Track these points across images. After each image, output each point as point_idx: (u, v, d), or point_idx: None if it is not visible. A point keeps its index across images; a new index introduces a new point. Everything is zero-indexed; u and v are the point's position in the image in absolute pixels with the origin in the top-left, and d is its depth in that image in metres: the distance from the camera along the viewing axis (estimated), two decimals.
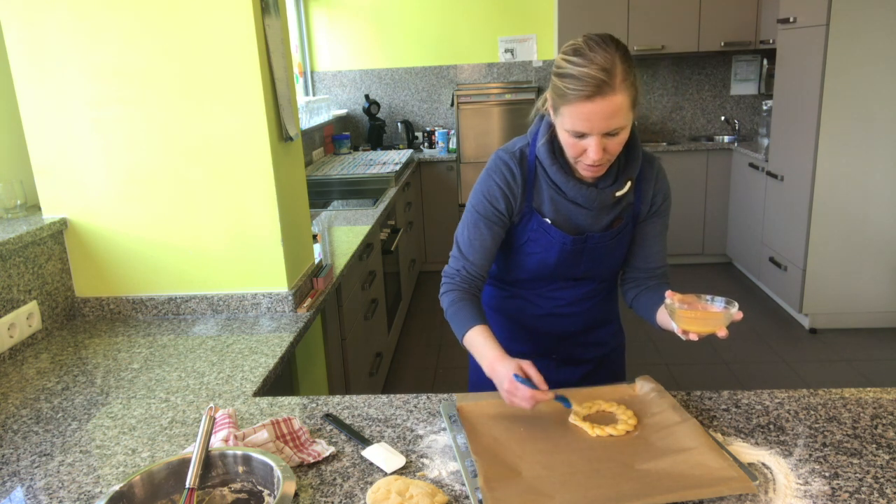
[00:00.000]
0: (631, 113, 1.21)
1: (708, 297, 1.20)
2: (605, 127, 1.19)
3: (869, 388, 1.33)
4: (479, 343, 1.30)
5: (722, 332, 1.15)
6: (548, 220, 1.38)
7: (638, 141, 1.36)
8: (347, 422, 1.28)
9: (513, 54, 5.34)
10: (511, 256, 1.47)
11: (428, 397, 1.36)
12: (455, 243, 1.44)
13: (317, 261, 2.24)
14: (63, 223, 1.89)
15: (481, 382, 1.56)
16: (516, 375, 1.18)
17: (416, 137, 5.46)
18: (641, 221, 1.44)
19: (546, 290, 1.50)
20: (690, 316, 1.17)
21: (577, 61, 1.18)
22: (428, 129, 5.35)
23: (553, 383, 1.23)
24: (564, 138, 1.26)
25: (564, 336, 1.54)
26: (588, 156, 1.23)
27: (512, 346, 1.52)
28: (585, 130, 1.20)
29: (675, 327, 1.20)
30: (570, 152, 1.27)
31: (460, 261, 1.42)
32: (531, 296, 1.52)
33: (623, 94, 1.17)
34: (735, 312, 1.16)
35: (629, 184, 1.36)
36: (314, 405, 1.36)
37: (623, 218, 1.41)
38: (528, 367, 1.20)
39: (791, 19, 3.86)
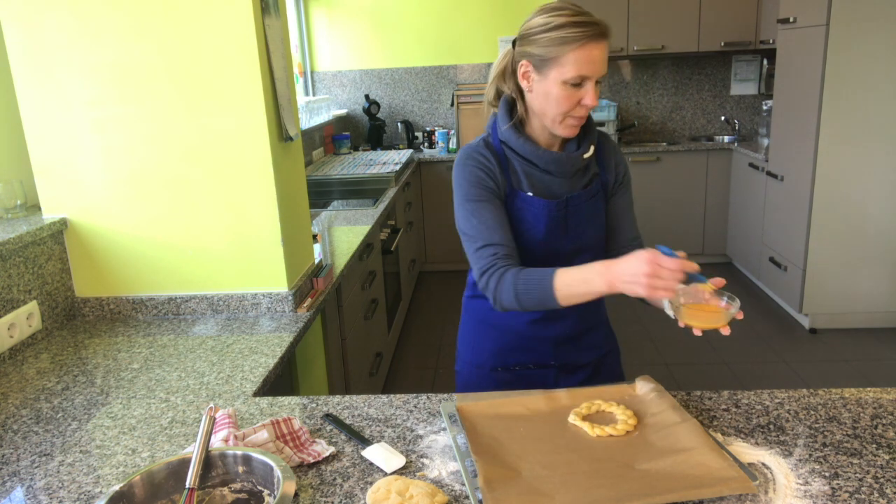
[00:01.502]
0: None
1: (710, 294, 1.20)
2: (602, 70, 1.30)
3: (869, 388, 1.33)
4: (575, 271, 1.25)
5: (725, 330, 1.16)
6: (529, 194, 1.41)
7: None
8: (347, 422, 1.28)
9: None
10: None
11: (428, 397, 1.36)
12: (467, 240, 1.40)
13: (317, 261, 2.24)
14: (63, 223, 1.89)
15: (471, 383, 1.57)
16: (659, 246, 1.14)
17: (416, 137, 5.46)
18: (611, 196, 1.50)
19: None
20: (694, 311, 1.17)
21: (568, 11, 1.28)
22: (428, 129, 5.35)
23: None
24: (558, 93, 1.30)
25: (560, 340, 1.54)
26: (587, 102, 1.30)
27: (510, 357, 1.54)
28: (589, 73, 1.28)
29: (670, 314, 1.21)
30: (561, 107, 1.32)
31: (488, 248, 1.35)
32: None
33: (608, 41, 1.30)
34: (736, 311, 1.16)
35: (592, 148, 1.43)
36: (314, 405, 1.36)
37: (593, 183, 1.47)
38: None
39: (791, 19, 3.86)
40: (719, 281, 1.18)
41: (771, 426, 1.20)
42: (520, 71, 1.36)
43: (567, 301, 1.27)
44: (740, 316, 1.16)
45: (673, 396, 1.28)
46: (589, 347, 1.57)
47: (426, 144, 5.30)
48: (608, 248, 1.52)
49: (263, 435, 1.15)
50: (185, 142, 1.81)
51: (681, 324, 1.20)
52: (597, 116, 4.89)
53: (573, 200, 1.43)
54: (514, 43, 1.39)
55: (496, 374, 1.55)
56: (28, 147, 1.85)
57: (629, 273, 1.16)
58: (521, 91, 1.40)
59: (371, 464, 1.14)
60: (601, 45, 1.28)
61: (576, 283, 1.25)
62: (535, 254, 1.44)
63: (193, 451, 1.00)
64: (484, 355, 1.56)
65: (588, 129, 1.44)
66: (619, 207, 1.51)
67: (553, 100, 1.32)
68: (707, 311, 1.18)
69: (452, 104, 5.03)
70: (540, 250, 1.44)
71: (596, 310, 1.58)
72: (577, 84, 1.29)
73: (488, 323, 1.55)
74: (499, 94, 1.47)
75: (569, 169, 1.42)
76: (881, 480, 1.04)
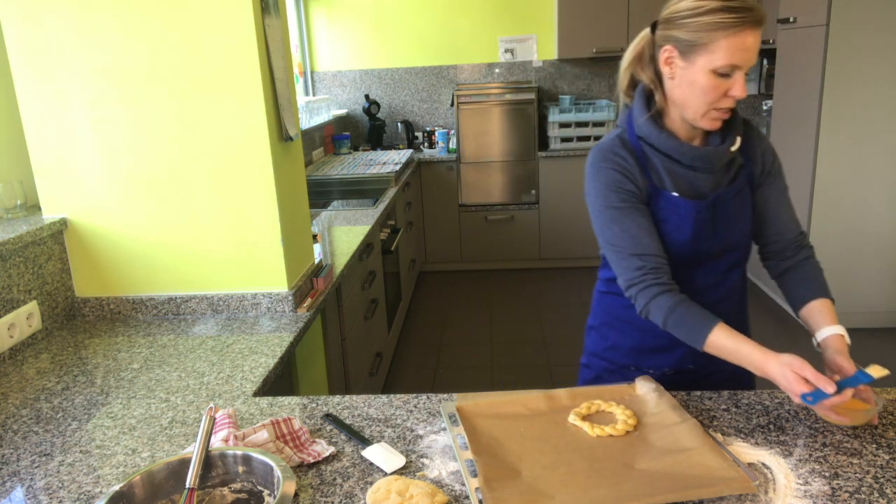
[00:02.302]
0: None
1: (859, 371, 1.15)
2: (754, 60, 1.20)
3: (869, 389, 1.33)
4: (733, 342, 1.20)
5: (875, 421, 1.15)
6: (675, 194, 1.32)
7: None
8: (347, 422, 1.28)
9: (513, 54, 5.34)
10: None
11: (428, 397, 1.36)
12: (611, 250, 1.32)
13: (317, 261, 2.24)
14: (63, 223, 1.89)
15: (601, 379, 1.49)
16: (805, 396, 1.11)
17: (416, 137, 5.46)
18: (758, 187, 1.39)
19: (683, 289, 1.35)
20: (840, 408, 1.14)
21: None
22: (428, 129, 5.35)
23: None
24: (704, 82, 1.21)
25: None
26: (735, 93, 1.21)
27: (647, 359, 1.44)
28: (740, 62, 1.19)
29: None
30: (707, 98, 1.23)
31: (633, 259, 1.29)
32: None
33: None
34: (875, 413, 1.15)
35: (739, 139, 1.33)
36: (314, 405, 1.36)
37: (739, 177, 1.37)
38: (802, 366, 1.12)
39: (791, 19, 3.86)
40: (880, 370, 1.14)
41: (771, 426, 1.20)
42: (661, 56, 1.27)
43: (710, 352, 1.24)
44: (875, 421, 1.13)
45: (673, 396, 1.28)
46: None
47: (426, 144, 5.30)
48: (764, 242, 1.43)
49: (263, 435, 1.15)
50: (186, 142, 1.81)
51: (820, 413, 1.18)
52: (596, 117, 4.90)
53: (720, 199, 1.34)
54: (652, 27, 1.31)
55: (628, 372, 1.46)
56: (28, 147, 1.85)
57: (779, 378, 1.14)
58: (660, 79, 1.30)
59: (371, 464, 1.14)
60: (756, 33, 1.18)
61: (728, 353, 1.21)
62: (680, 255, 1.34)
63: (193, 451, 1.00)
64: (618, 353, 1.48)
65: (733, 119, 1.33)
66: (770, 197, 1.39)
67: (698, 89, 1.23)
68: (851, 405, 1.14)
69: (452, 104, 5.03)
70: (686, 252, 1.34)
71: (742, 316, 1.48)
72: (726, 73, 1.20)
73: (625, 320, 1.46)
74: (633, 83, 1.37)
75: (716, 164, 1.32)
76: (881, 480, 1.04)
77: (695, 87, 1.23)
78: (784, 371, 1.12)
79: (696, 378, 1.43)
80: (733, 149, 1.32)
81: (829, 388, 1.08)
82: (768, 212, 1.40)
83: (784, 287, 1.42)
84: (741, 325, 1.47)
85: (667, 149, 1.31)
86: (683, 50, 1.23)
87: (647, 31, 1.33)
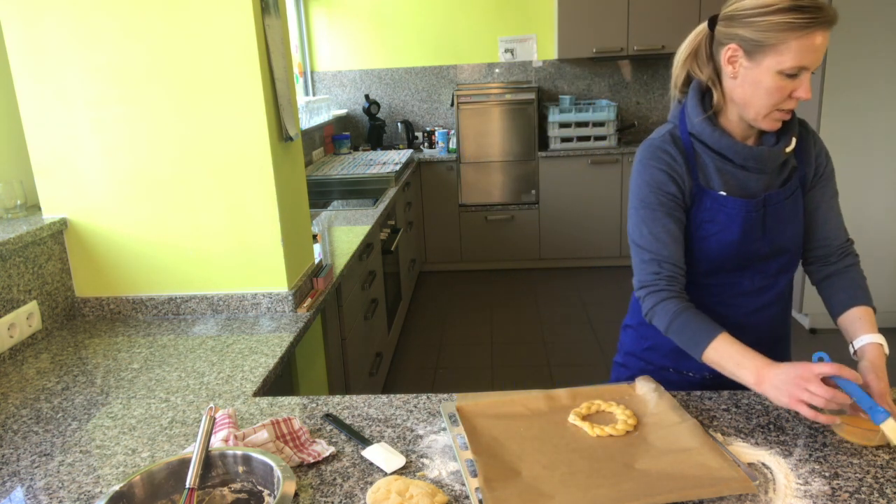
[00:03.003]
0: None
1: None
2: (820, 60, 1.17)
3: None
4: (733, 353, 1.18)
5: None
6: (722, 193, 1.30)
7: None
8: (347, 422, 1.28)
9: (513, 54, 5.34)
10: (687, 249, 1.34)
11: (428, 397, 1.36)
12: (636, 249, 1.32)
13: (317, 261, 2.24)
14: (63, 223, 1.89)
15: (632, 371, 1.47)
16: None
17: (416, 137, 5.46)
18: (810, 190, 1.37)
19: (729, 292, 1.36)
20: (852, 427, 1.13)
21: None
22: (428, 129, 5.35)
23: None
24: (770, 83, 1.18)
25: None
26: (800, 94, 1.18)
27: (687, 362, 1.39)
28: (809, 64, 1.16)
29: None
30: (772, 99, 1.20)
31: (653, 263, 1.29)
32: (712, 302, 1.37)
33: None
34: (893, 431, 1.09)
35: (794, 140, 1.30)
36: (314, 405, 1.36)
37: (793, 179, 1.34)
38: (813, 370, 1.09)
39: None
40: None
41: (771, 426, 1.20)
42: (724, 54, 1.23)
43: (709, 364, 1.22)
44: (894, 441, 1.09)
45: (673, 396, 1.28)
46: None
47: (426, 144, 5.30)
48: (810, 247, 1.40)
49: (263, 435, 1.15)
50: (186, 142, 1.81)
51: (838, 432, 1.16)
52: (596, 117, 4.90)
53: (771, 199, 1.31)
54: (710, 22, 1.27)
55: (666, 373, 1.46)
56: (28, 147, 1.85)
57: (779, 384, 1.11)
58: (718, 77, 1.28)
59: (371, 464, 1.14)
60: (825, 33, 1.14)
61: (728, 362, 1.19)
62: (728, 256, 1.33)
63: (193, 451, 1.00)
64: (657, 353, 1.46)
65: (790, 119, 1.29)
66: (819, 201, 1.37)
67: (763, 90, 1.20)
68: (865, 426, 1.12)
69: (452, 104, 5.03)
70: (734, 253, 1.32)
71: (785, 321, 1.46)
72: (793, 74, 1.17)
73: None
74: (688, 79, 1.35)
75: (769, 165, 1.29)
76: (881, 480, 1.04)
77: (759, 88, 1.20)
78: (790, 370, 1.10)
79: (735, 384, 1.35)
80: (788, 150, 1.29)
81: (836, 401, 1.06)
82: (818, 216, 1.37)
83: (825, 292, 1.39)
84: (783, 333, 1.47)
85: (720, 147, 1.29)
86: (749, 49, 1.19)
87: (703, 26, 1.29)
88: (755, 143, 1.32)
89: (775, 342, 1.45)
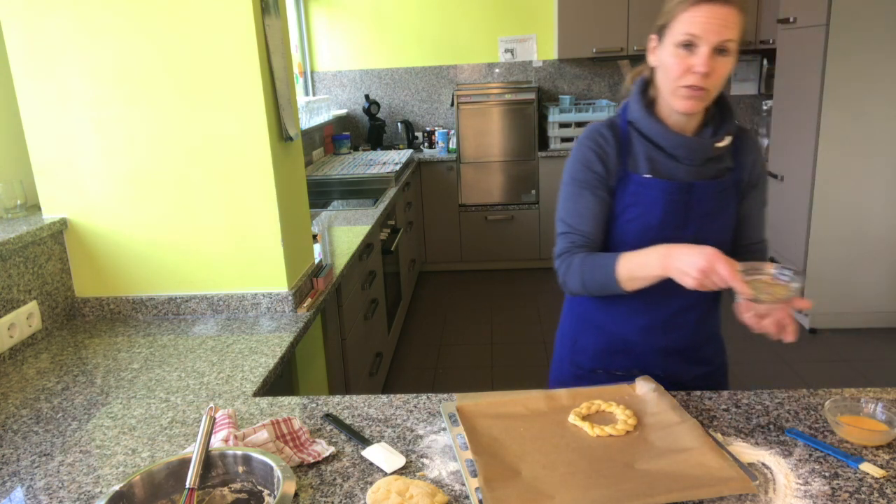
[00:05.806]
0: (739, 35, 1.23)
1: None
2: (717, 35, 1.20)
3: (869, 388, 1.33)
4: (638, 255, 1.25)
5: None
6: (647, 176, 1.34)
7: (729, 100, 1.38)
8: (347, 422, 1.28)
9: (513, 54, 5.34)
10: (609, 235, 1.39)
11: (428, 397, 1.36)
12: (558, 222, 1.39)
13: (317, 261, 2.24)
14: (63, 223, 1.89)
15: (566, 382, 1.50)
16: None
17: (416, 137, 5.45)
18: (743, 198, 1.40)
19: (654, 287, 1.33)
20: (852, 427, 1.14)
21: None
22: (428, 129, 5.35)
23: None
24: (670, 58, 1.25)
25: (670, 351, 1.44)
26: (697, 68, 1.21)
27: (614, 361, 1.46)
28: (697, 32, 1.21)
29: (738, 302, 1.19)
30: (674, 72, 1.25)
31: (569, 235, 1.36)
32: (636, 302, 1.39)
33: (736, 9, 1.21)
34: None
35: (728, 138, 1.34)
36: (314, 405, 1.36)
37: (725, 177, 1.37)
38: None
39: (791, 19, 3.86)
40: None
41: (771, 426, 1.20)
42: (648, 46, 1.34)
43: (630, 285, 1.27)
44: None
45: (673, 396, 1.28)
46: (700, 362, 1.48)
47: (426, 144, 5.30)
48: (732, 246, 1.43)
49: (263, 435, 1.15)
50: (185, 142, 1.81)
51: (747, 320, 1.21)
52: (596, 116, 4.90)
53: (698, 188, 1.34)
54: None
55: (595, 375, 1.48)
56: (28, 147, 1.85)
57: (685, 263, 1.16)
58: (653, 70, 1.35)
59: (371, 464, 1.14)
60: (715, 7, 1.19)
61: (636, 266, 1.25)
62: (650, 241, 1.31)
63: (193, 451, 1.00)
64: (585, 355, 1.50)
65: (725, 117, 1.35)
66: (748, 208, 1.42)
67: (667, 66, 1.26)
68: (865, 426, 1.15)
69: (452, 104, 5.03)
70: (654, 239, 1.31)
71: (713, 321, 1.49)
72: (688, 46, 1.22)
73: (593, 323, 1.49)
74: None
75: (698, 155, 1.33)
76: (881, 480, 1.04)
77: (665, 65, 1.27)
78: (696, 250, 1.15)
79: (666, 386, 1.37)
80: (719, 144, 1.33)
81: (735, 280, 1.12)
82: (746, 225, 1.43)
83: None
84: (713, 332, 1.50)
85: (652, 134, 1.34)
86: (660, 34, 1.30)
87: None
88: (692, 136, 1.35)
89: (705, 341, 1.49)
